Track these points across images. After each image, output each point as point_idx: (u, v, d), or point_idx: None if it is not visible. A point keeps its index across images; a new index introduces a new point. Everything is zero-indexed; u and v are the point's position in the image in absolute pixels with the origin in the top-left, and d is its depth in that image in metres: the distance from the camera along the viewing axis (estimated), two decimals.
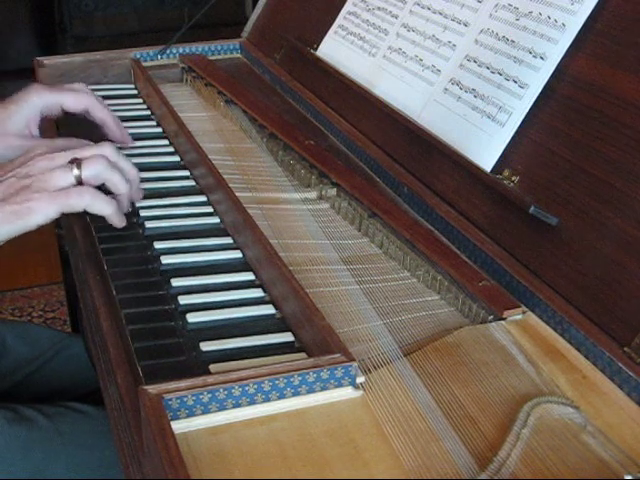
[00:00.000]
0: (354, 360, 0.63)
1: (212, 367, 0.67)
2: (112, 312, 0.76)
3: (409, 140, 0.98)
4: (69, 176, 0.78)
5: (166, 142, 1.12)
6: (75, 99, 0.97)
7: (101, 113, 0.98)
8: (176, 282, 0.79)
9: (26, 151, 0.83)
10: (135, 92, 1.31)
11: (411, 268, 0.82)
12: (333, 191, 0.95)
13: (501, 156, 0.84)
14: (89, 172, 0.79)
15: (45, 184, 0.77)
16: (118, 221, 0.83)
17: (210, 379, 0.59)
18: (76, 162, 0.79)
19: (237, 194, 0.88)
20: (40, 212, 0.76)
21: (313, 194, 0.95)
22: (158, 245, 0.85)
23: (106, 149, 0.83)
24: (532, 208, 0.76)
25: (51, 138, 1.11)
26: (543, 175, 0.79)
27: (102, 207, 0.80)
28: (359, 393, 0.63)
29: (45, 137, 1.00)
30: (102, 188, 0.82)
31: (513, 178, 0.82)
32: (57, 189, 0.77)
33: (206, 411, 0.59)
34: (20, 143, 0.90)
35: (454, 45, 0.96)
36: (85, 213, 0.82)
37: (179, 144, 1.08)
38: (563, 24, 0.82)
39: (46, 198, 0.76)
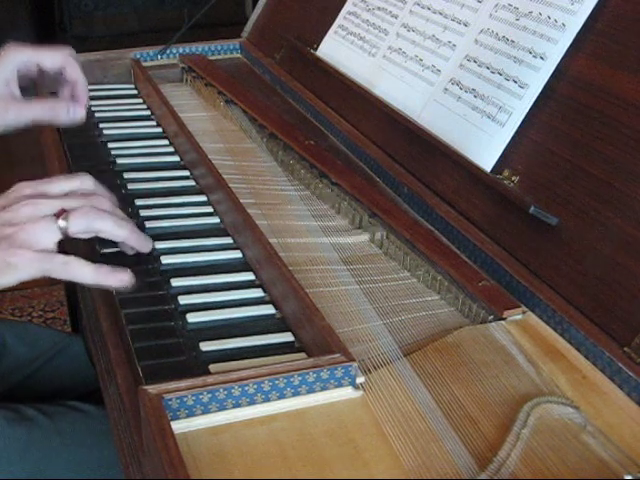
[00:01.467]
0: (354, 360, 0.63)
1: (212, 367, 0.67)
2: (112, 312, 0.76)
3: (409, 140, 0.98)
4: (54, 231, 0.73)
5: (166, 142, 1.12)
6: (52, 56, 0.93)
7: (76, 73, 0.94)
8: (176, 282, 0.79)
9: (12, 190, 0.77)
10: (135, 92, 1.31)
11: (411, 268, 0.82)
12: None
13: (501, 156, 0.84)
14: (76, 227, 0.74)
15: (29, 237, 0.72)
16: (113, 281, 0.74)
17: (210, 379, 0.59)
18: (63, 214, 0.73)
19: (237, 194, 0.88)
20: (22, 270, 0.71)
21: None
22: (158, 245, 0.85)
23: (96, 200, 0.77)
24: (532, 208, 0.76)
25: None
26: (543, 175, 0.79)
27: (86, 277, 0.74)
28: (359, 393, 0.63)
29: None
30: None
31: (513, 178, 0.82)
32: (41, 247, 0.72)
33: (206, 411, 0.59)
34: (4, 105, 0.88)
35: (454, 45, 0.96)
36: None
37: (179, 144, 1.08)
38: (563, 24, 0.82)
39: (29, 257, 0.71)
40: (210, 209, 0.94)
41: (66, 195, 0.77)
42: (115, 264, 0.76)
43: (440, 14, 1.00)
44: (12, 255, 0.71)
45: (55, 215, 0.74)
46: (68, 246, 0.80)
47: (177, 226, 0.89)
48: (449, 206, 0.88)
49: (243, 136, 1.13)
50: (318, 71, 1.20)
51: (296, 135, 1.07)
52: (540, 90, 0.82)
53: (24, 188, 0.76)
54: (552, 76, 0.82)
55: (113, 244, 0.81)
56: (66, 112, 0.91)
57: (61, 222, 0.73)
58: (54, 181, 0.78)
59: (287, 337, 0.72)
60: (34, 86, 1.02)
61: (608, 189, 0.72)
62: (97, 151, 1.09)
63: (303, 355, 0.69)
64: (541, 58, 0.83)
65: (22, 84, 0.93)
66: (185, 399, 0.58)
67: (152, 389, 0.58)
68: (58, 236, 0.73)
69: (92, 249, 0.84)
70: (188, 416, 0.59)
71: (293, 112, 1.21)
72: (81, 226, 0.74)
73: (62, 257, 0.73)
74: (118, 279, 0.74)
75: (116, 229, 0.76)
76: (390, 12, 1.10)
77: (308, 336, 0.69)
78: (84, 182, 0.79)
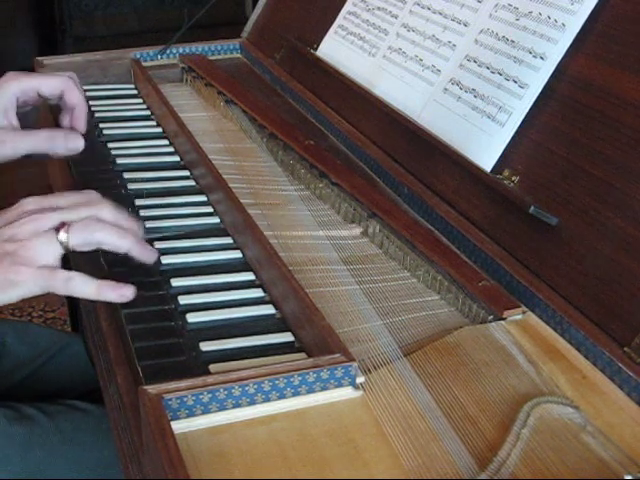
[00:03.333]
0: (354, 360, 0.63)
1: (212, 367, 0.67)
2: (112, 312, 0.76)
3: (409, 140, 0.98)
4: (55, 245, 0.71)
5: (166, 142, 1.12)
6: (51, 82, 0.91)
7: (75, 98, 0.91)
8: (176, 282, 0.79)
9: (16, 205, 0.75)
10: (135, 92, 1.31)
11: (411, 268, 0.82)
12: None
13: (501, 156, 0.84)
14: (77, 240, 0.72)
15: (30, 254, 0.70)
16: (115, 296, 0.73)
17: (210, 379, 0.59)
18: (64, 227, 0.72)
19: (237, 194, 0.88)
20: (23, 287, 0.70)
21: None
22: (158, 245, 0.85)
23: (101, 209, 0.75)
24: (532, 208, 0.76)
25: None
26: (543, 175, 0.79)
27: (89, 293, 0.72)
28: (359, 393, 0.63)
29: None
30: None
31: (513, 178, 0.82)
32: (43, 263, 0.71)
33: (206, 411, 0.59)
34: (2, 137, 0.86)
35: (454, 45, 0.96)
36: None
37: (179, 144, 1.08)
38: (563, 24, 0.82)
39: (31, 273, 0.70)
40: (210, 209, 0.94)
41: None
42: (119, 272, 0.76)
43: (440, 14, 1.00)
44: (14, 272, 0.69)
45: (55, 229, 0.72)
46: (73, 260, 0.80)
47: (177, 226, 0.89)
48: (449, 206, 0.88)
49: (243, 136, 1.13)
50: (318, 71, 1.20)
51: (296, 135, 1.07)
52: (540, 90, 0.82)
53: (28, 204, 0.75)
54: (552, 76, 0.82)
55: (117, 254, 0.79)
56: (64, 143, 0.89)
57: (62, 235, 0.71)
58: (59, 197, 0.76)
59: (287, 337, 0.72)
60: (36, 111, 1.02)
61: (608, 189, 0.72)
62: (97, 151, 1.09)
63: (303, 355, 0.69)
64: (541, 58, 0.83)
65: (22, 111, 0.92)
66: (185, 399, 0.58)
67: (152, 389, 0.58)
68: (59, 250, 0.71)
69: (96, 260, 0.83)
70: (188, 416, 0.59)
71: (293, 112, 1.21)
72: (81, 239, 0.72)
73: (65, 273, 0.71)
74: (120, 294, 0.73)
75: (118, 241, 0.74)
76: (390, 12, 1.10)
77: (308, 336, 0.69)
78: (101, 213, 0.76)
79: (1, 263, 0.70)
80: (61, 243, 0.71)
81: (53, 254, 0.71)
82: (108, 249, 0.74)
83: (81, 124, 0.93)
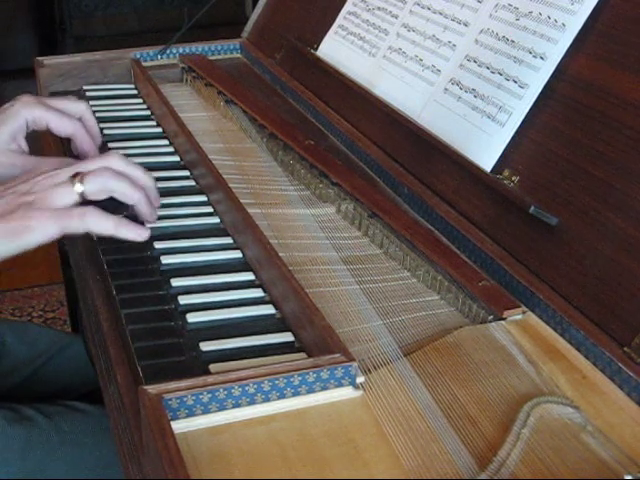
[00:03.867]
0: (354, 360, 0.63)
1: (212, 367, 0.67)
2: (112, 312, 0.76)
3: (409, 140, 0.98)
4: (71, 192, 0.75)
5: (166, 142, 1.12)
6: (60, 123, 0.90)
7: (86, 146, 0.92)
8: (176, 282, 0.79)
9: (30, 169, 0.79)
10: (135, 92, 1.31)
11: (411, 268, 0.82)
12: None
13: (501, 156, 0.84)
14: (91, 186, 0.75)
15: (46, 202, 0.73)
16: (133, 235, 0.77)
17: (210, 379, 0.59)
18: (78, 177, 0.75)
19: (237, 194, 0.88)
20: (39, 230, 0.72)
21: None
22: (158, 245, 0.85)
23: (112, 159, 0.79)
24: (532, 208, 0.76)
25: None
26: (543, 175, 0.79)
27: (106, 227, 0.75)
28: (359, 393, 0.63)
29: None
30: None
31: (513, 178, 0.82)
32: (59, 207, 0.74)
33: (206, 411, 0.59)
34: (11, 161, 0.87)
35: (454, 45, 0.96)
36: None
37: (179, 144, 1.08)
38: (563, 24, 0.82)
39: (47, 216, 0.72)
40: (210, 209, 0.94)
41: None
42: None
43: (440, 14, 1.00)
44: (29, 218, 0.72)
45: (71, 177, 0.75)
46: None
47: (177, 226, 0.89)
48: (449, 206, 0.88)
49: (243, 136, 1.13)
50: (318, 71, 1.20)
51: (296, 135, 1.07)
52: (540, 90, 0.82)
53: (44, 165, 0.79)
54: (552, 76, 0.82)
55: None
56: None
57: (77, 185, 0.75)
58: (72, 160, 0.81)
59: (287, 337, 0.72)
60: None
61: (608, 189, 0.72)
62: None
63: (303, 355, 0.69)
64: (541, 58, 0.83)
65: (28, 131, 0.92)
66: (185, 399, 0.58)
67: (152, 389, 0.58)
68: (75, 198, 0.75)
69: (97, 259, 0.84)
70: (188, 416, 0.59)
71: (293, 112, 1.21)
72: (97, 186, 0.76)
73: (79, 208, 0.74)
74: (137, 233, 0.77)
75: (129, 190, 0.78)
76: (390, 12, 1.10)
77: (308, 336, 0.69)
78: (113, 163, 0.80)
79: (16, 212, 0.72)
80: (77, 192, 0.75)
81: (68, 201, 0.74)
82: (118, 198, 0.78)
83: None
